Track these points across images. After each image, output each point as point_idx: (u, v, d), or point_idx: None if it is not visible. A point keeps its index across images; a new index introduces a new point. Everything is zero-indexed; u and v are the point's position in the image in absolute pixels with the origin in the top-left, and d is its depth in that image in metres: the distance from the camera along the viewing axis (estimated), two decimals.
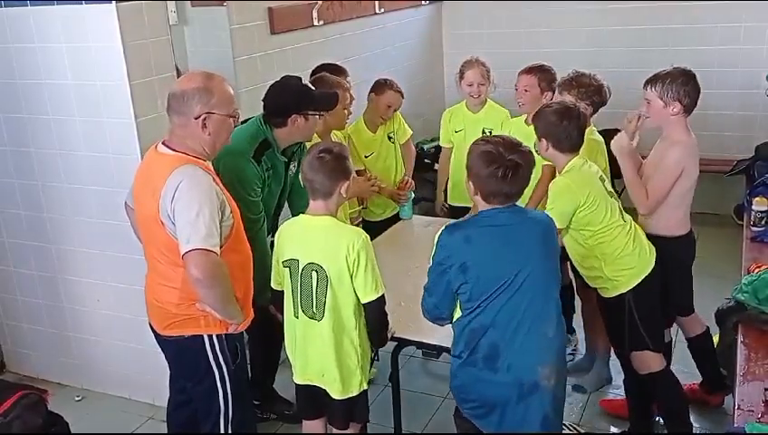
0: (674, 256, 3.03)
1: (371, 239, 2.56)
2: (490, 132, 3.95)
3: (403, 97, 3.88)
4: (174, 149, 2.41)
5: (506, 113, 4.01)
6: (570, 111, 2.84)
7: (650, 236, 2.99)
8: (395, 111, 3.88)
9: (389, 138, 3.96)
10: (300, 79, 3.09)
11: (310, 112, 2.97)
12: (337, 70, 3.68)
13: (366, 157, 3.87)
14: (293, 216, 2.91)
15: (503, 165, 2.24)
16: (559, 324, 2.38)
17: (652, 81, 2.96)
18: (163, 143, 2.46)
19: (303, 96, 2.99)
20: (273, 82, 3.97)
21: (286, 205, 3.28)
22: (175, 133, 2.43)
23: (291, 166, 3.13)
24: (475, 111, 4.04)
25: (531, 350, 2.29)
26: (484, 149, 2.31)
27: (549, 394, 2.31)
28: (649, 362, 2.93)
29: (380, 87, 3.82)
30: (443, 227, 2.39)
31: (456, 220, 2.42)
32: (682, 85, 2.89)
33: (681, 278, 3.14)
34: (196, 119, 2.37)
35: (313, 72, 3.72)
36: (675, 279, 3.08)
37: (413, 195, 3.95)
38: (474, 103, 4.03)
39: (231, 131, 2.53)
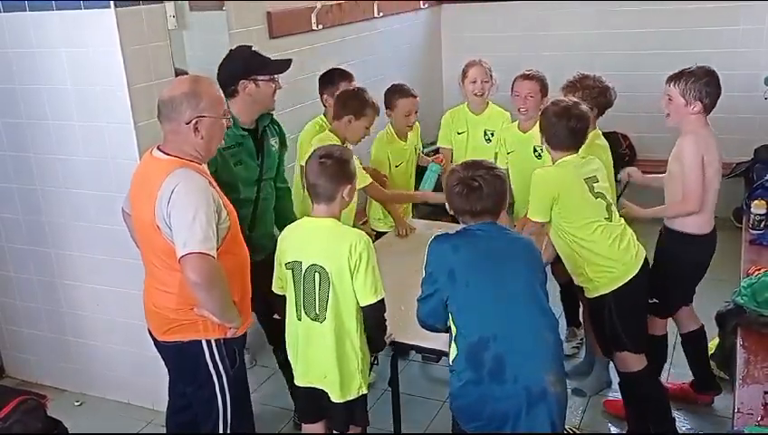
0: (694, 254, 3.07)
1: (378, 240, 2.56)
2: (491, 134, 3.99)
3: (415, 97, 3.78)
4: (169, 154, 2.40)
5: (507, 116, 4.00)
6: (566, 110, 2.87)
7: (675, 233, 3.04)
8: (415, 113, 3.79)
9: (415, 149, 3.96)
10: (250, 47, 3.04)
11: (260, 78, 2.92)
12: (344, 75, 3.69)
13: (396, 166, 3.83)
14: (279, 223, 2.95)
15: (461, 182, 2.40)
16: (556, 332, 2.40)
17: (676, 78, 2.98)
18: (158, 148, 2.45)
19: (250, 61, 2.95)
20: None
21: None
22: (168, 139, 2.43)
23: (271, 141, 3.11)
24: (478, 113, 4.03)
25: (535, 358, 2.30)
26: (454, 168, 2.52)
27: (555, 401, 2.30)
28: (628, 361, 2.96)
29: (391, 99, 3.75)
30: (432, 237, 2.46)
31: (445, 232, 2.49)
32: (705, 85, 2.93)
33: (694, 276, 3.17)
34: (187, 124, 2.36)
35: (321, 77, 3.72)
36: (687, 276, 3.13)
37: (440, 169, 3.87)
38: (476, 103, 4.02)
39: (224, 132, 2.52)
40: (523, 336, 2.29)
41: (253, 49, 3.02)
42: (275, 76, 2.99)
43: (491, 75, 3.97)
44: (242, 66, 2.93)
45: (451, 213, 2.52)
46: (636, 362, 2.95)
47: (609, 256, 2.84)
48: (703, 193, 2.95)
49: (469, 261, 2.36)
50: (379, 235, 3.80)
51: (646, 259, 2.93)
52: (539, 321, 2.33)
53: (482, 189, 2.38)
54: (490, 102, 4.05)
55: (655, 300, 3.09)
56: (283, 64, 3.03)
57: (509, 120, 3.98)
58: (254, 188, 3.03)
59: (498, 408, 2.30)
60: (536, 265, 2.45)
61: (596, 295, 2.90)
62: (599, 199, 2.88)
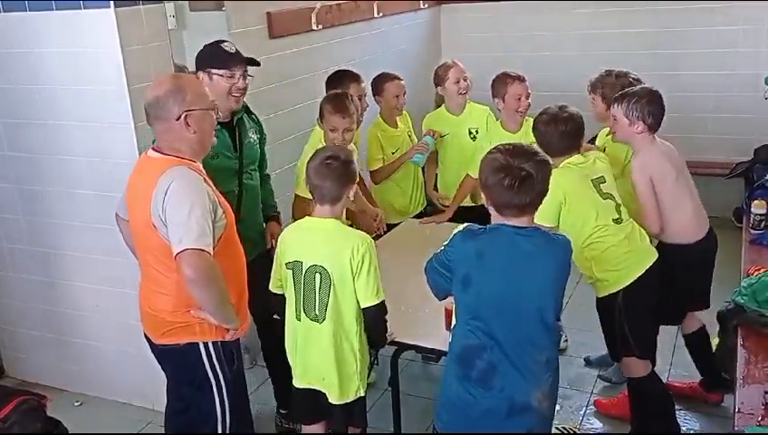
0: (693, 261, 3.07)
1: (378, 239, 2.52)
2: (476, 131, 3.99)
3: (401, 79, 3.88)
4: (164, 153, 2.40)
5: (488, 110, 4.03)
6: (554, 117, 2.93)
7: (668, 245, 3.03)
8: (404, 95, 3.86)
9: (409, 135, 3.98)
10: (220, 42, 2.98)
11: (213, 71, 2.88)
12: (353, 77, 3.68)
13: (393, 153, 3.87)
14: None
15: (510, 174, 2.15)
16: (554, 350, 2.34)
17: (619, 99, 3.03)
18: (153, 148, 2.46)
19: (209, 53, 2.92)
20: (272, 87, 4.02)
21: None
22: (161, 138, 2.42)
23: (249, 134, 3.08)
24: (458, 114, 4.04)
25: (527, 375, 2.23)
26: (493, 157, 2.24)
27: (537, 415, 2.27)
28: (633, 367, 2.96)
29: (380, 85, 3.85)
30: (462, 227, 2.31)
31: (477, 226, 2.30)
32: (646, 105, 2.96)
33: (702, 279, 3.18)
34: (177, 120, 2.36)
35: (330, 78, 3.71)
36: (696, 281, 3.14)
37: (432, 142, 3.87)
38: (458, 104, 4.02)
39: (215, 125, 2.50)
40: (519, 352, 2.23)
41: (222, 44, 2.95)
42: (235, 73, 2.91)
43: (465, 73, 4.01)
44: (202, 58, 2.93)
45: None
46: (641, 367, 2.95)
47: (617, 257, 2.84)
48: (659, 215, 2.97)
49: (490, 271, 2.21)
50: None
51: (656, 261, 2.90)
52: (540, 341, 2.25)
53: (533, 178, 2.16)
54: (468, 101, 4.05)
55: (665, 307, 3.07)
56: (234, 58, 2.93)
57: (491, 113, 4.02)
58: (235, 180, 3.00)
59: (477, 410, 2.26)
60: (559, 275, 2.27)
61: (605, 295, 2.90)
62: (607, 200, 2.88)
